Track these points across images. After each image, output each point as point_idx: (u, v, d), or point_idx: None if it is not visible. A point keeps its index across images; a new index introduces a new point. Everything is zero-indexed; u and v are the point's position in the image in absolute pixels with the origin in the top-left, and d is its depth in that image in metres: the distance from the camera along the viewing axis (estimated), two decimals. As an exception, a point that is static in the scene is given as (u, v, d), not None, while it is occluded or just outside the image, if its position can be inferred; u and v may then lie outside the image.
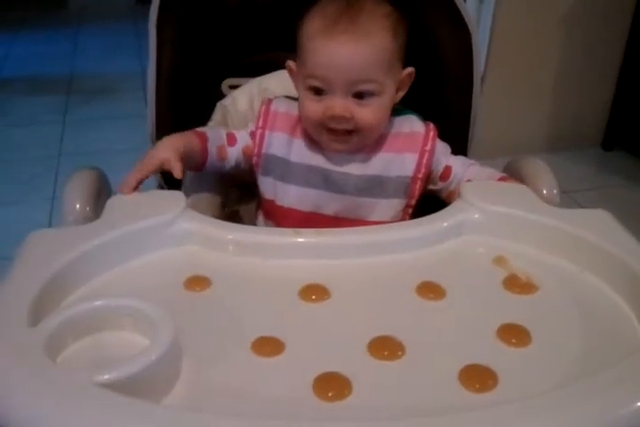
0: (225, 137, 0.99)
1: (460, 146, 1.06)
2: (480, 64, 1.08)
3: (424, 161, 0.95)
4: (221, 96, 1.12)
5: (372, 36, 0.88)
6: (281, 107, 0.99)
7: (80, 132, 2.65)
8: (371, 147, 0.95)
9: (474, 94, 1.07)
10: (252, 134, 0.99)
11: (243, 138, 0.99)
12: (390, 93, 0.92)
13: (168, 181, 1.05)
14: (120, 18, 4.08)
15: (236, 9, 1.11)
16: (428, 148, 0.96)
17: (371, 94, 0.89)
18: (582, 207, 0.90)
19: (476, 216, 0.85)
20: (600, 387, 0.58)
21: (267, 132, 0.98)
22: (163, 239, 0.80)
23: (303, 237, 0.81)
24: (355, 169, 0.95)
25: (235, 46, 1.13)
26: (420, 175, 0.96)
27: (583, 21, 2.22)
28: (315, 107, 0.90)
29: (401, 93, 0.95)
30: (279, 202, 0.98)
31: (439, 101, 1.08)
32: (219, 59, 1.12)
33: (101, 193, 0.97)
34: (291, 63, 0.95)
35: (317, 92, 0.89)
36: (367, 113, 0.89)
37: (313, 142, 0.96)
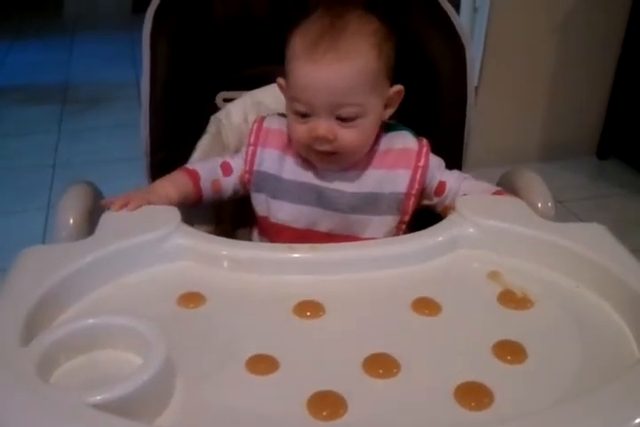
0: (220, 169, 0.99)
1: (454, 159, 1.06)
2: (474, 77, 1.08)
3: (417, 177, 0.95)
4: (216, 109, 1.12)
5: (354, 58, 0.86)
6: (273, 124, 0.99)
7: (75, 141, 2.65)
8: (363, 163, 0.95)
9: (468, 108, 1.07)
10: (245, 151, 0.98)
11: (238, 165, 0.99)
12: (376, 113, 0.92)
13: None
14: (115, 27, 4.07)
15: (230, 22, 1.10)
16: (421, 164, 0.95)
17: (354, 117, 0.88)
18: (577, 217, 0.90)
19: (471, 231, 0.84)
20: (598, 404, 0.58)
21: (258, 149, 0.98)
22: (157, 255, 0.80)
23: (298, 253, 0.81)
24: (348, 186, 0.95)
25: (228, 60, 1.13)
26: (414, 191, 0.95)
27: (577, 30, 2.23)
28: (301, 128, 0.90)
29: (390, 111, 0.95)
30: (273, 219, 0.98)
31: (433, 115, 1.08)
32: (212, 72, 1.12)
33: (95, 208, 0.96)
34: (281, 80, 0.95)
35: (303, 115, 0.89)
36: (350, 135, 0.89)
37: (305, 160, 0.96)
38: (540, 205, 0.95)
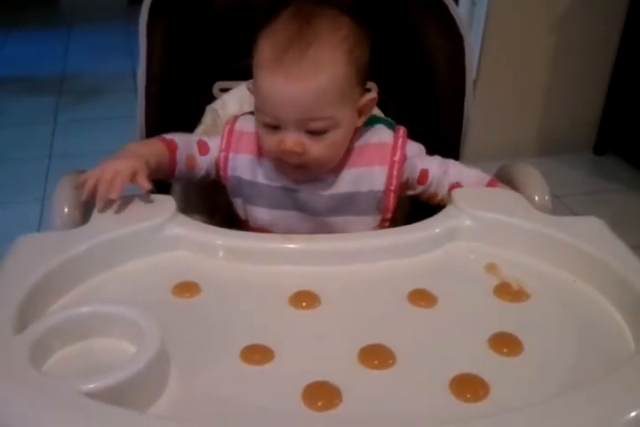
0: (196, 145, 0.95)
1: (452, 151, 1.06)
2: (472, 69, 1.07)
3: (394, 172, 0.92)
4: (212, 99, 1.12)
5: (323, 70, 0.82)
6: (246, 126, 0.94)
7: (71, 132, 2.64)
8: (338, 164, 0.92)
9: (466, 100, 1.06)
10: (217, 156, 0.95)
11: (215, 146, 0.95)
12: (349, 123, 0.88)
13: (158, 183, 1.04)
14: (112, 18, 4.06)
15: (227, 12, 1.10)
16: (396, 158, 0.92)
17: (325, 130, 0.85)
18: (573, 212, 0.90)
19: (468, 223, 0.84)
20: (594, 397, 0.57)
21: (230, 155, 0.94)
22: (152, 244, 0.80)
23: (294, 243, 0.80)
24: (323, 189, 0.92)
25: (225, 50, 1.12)
26: (393, 187, 0.92)
27: (576, 25, 2.22)
28: (269, 139, 0.87)
29: (363, 118, 0.91)
30: (252, 224, 0.96)
31: (431, 106, 1.08)
32: (209, 62, 1.11)
33: (91, 197, 0.96)
34: (251, 85, 0.90)
35: (271, 126, 0.86)
36: (320, 148, 0.85)
37: None
38: (537, 198, 0.94)
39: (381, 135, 0.94)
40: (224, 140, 0.94)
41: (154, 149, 0.91)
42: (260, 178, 0.93)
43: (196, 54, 1.10)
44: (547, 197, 0.95)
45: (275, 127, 0.86)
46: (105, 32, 3.83)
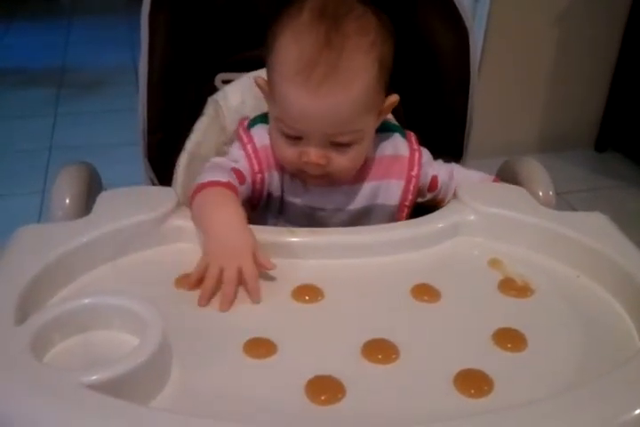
0: (235, 175, 0.86)
1: (456, 144, 1.05)
2: (476, 62, 1.06)
3: (411, 188, 0.92)
4: (213, 91, 1.11)
5: (354, 82, 0.79)
6: (264, 139, 0.90)
7: (71, 125, 2.63)
8: (355, 176, 0.91)
9: (470, 92, 1.06)
10: (253, 179, 0.89)
11: (247, 171, 0.88)
12: (371, 131, 0.86)
13: (160, 175, 1.04)
14: (113, 10, 4.05)
15: (229, 4, 1.09)
16: (414, 173, 0.91)
17: (350, 143, 0.83)
18: (574, 208, 0.89)
19: (472, 218, 0.84)
20: (599, 394, 0.57)
21: (266, 175, 0.89)
22: (154, 236, 0.79)
23: (297, 237, 0.80)
24: (340, 204, 0.91)
25: (227, 41, 1.11)
26: (407, 203, 0.92)
27: (578, 21, 2.22)
28: (290, 150, 0.84)
29: (382, 118, 0.89)
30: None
31: (436, 98, 1.07)
32: (211, 54, 1.10)
33: (92, 188, 0.95)
34: (260, 81, 0.88)
35: (292, 137, 0.83)
36: (344, 160, 0.84)
37: (293, 176, 0.91)
38: (541, 193, 0.94)
39: (397, 146, 0.93)
40: (254, 162, 0.89)
41: (236, 203, 0.80)
42: (284, 192, 0.92)
43: (199, 45, 1.09)
44: (551, 193, 0.95)
45: (296, 138, 0.83)
46: (105, 25, 3.82)
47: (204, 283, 0.71)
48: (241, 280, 0.72)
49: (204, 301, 0.70)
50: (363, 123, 0.83)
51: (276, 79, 0.83)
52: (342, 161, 0.84)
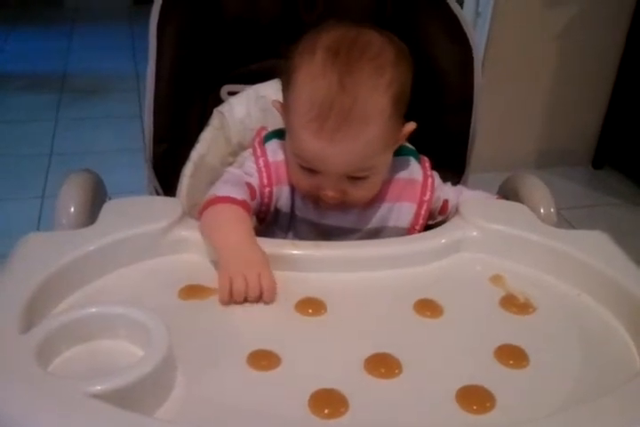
0: (248, 190, 0.86)
1: (458, 162, 1.06)
2: (480, 78, 1.07)
3: (422, 212, 0.92)
4: (219, 102, 1.11)
5: (370, 124, 0.78)
6: (277, 154, 0.90)
7: (72, 130, 2.63)
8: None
9: (474, 110, 1.07)
10: (261, 192, 0.89)
11: (257, 185, 0.89)
12: (388, 162, 0.87)
13: (164, 184, 1.04)
14: (115, 18, 4.06)
15: (237, 16, 1.10)
16: (426, 198, 0.92)
17: (367, 176, 0.84)
18: (571, 224, 0.90)
19: (475, 234, 0.84)
20: (599, 412, 0.57)
21: (274, 189, 0.90)
22: (159, 247, 0.79)
23: (301, 250, 0.80)
24: (353, 223, 0.92)
25: (234, 54, 1.12)
26: (418, 227, 0.92)
27: (578, 38, 2.23)
28: (306, 181, 0.85)
29: (398, 146, 0.89)
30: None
31: (439, 116, 1.07)
32: (217, 65, 1.11)
33: (97, 197, 0.96)
34: (277, 105, 0.88)
35: (309, 170, 0.83)
36: (361, 191, 0.85)
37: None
38: (542, 210, 0.95)
39: (412, 170, 0.93)
40: (264, 175, 0.89)
41: (249, 224, 0.82)
42: (297, 212, 0.92)
43: (205, 57, 1.09)
44: (552, 210, 0.96)
45: (312, 170, 0.83)
46: (108, 32, 3.83)
47: (234, 297, 0.73)
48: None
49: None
50: (379, 159, 0.84)
51: (291, 117, 0.83)
52: (359, 192, 0.85)
